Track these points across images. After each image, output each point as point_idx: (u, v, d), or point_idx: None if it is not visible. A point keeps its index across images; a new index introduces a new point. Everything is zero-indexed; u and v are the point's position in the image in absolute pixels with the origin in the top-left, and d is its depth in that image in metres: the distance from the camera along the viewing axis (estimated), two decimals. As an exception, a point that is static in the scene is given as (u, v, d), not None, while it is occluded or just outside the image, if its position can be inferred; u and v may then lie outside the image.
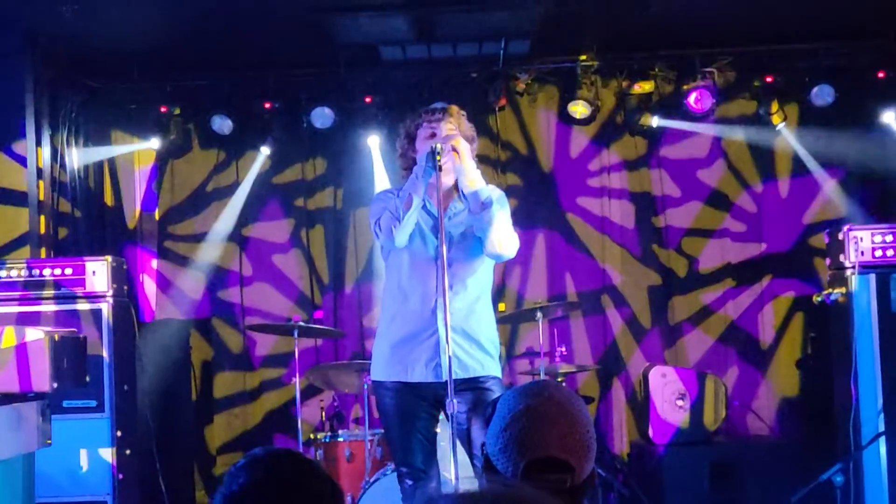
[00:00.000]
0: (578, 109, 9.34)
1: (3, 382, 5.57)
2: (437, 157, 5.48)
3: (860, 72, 9.07)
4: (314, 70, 9.45)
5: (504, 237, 5.57)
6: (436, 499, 1.04)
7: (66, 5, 7.69)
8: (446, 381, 5.33)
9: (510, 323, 9.05)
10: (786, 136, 9.27)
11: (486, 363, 5.70)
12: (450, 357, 5.31)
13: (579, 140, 9.87)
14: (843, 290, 7.28)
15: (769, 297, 9.62)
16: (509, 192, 5.99)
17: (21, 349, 5.61)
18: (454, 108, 5.81)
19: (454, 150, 5.52)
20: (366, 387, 7.50)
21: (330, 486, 2.66)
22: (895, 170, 9.14)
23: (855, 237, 7.23)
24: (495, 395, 5.47)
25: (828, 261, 7.70)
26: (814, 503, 7.33)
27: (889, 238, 7.21)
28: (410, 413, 5.74)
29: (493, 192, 5.76)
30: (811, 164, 9.29)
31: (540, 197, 9.78)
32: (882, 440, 7.01)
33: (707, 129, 9.50)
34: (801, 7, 8.04)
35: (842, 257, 7.28)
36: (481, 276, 5.79)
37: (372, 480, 7.14)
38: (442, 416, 5.84)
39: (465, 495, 1.03)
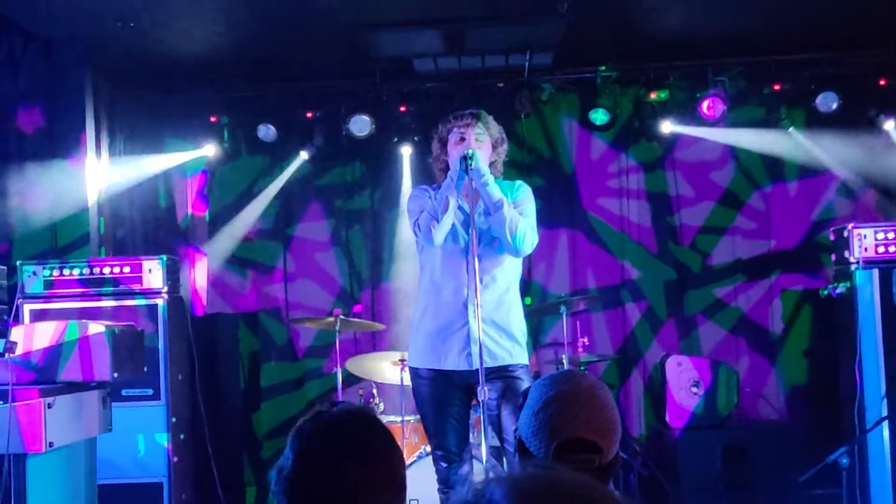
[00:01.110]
0: (598, 116, 9.34)
1: (67, 372, 5.60)
2: (469, 163, 5.52)
3: (862, 79, 9.05)
4: (352, 81, 9.46)
5: (519, 234, 5.58)
6: (489, 483, 1.03)
7: (123, 23, 7.71)
8: (477, 370, 5.36)
9: (536, 316, 9.04)
10: (796, 138, 9.22)
11: (515, 352, 5.72)
12: (480, 346, 5.32)
13: (599, 144, 9.88)
14: (848, 284, 7.24)
15: (778, 290, 9.60)
16: (534, 193, 5.98)
17: (84, 342, 5.63)
18: (483, 113, 5.83)
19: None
20: (402, 375, 7.51)
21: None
22: (895, 172, 9.12)
23: (859, 234, 7.19)
24: (524, 383, 5.55)
25: (833, 257, 7.66)
26: (821, 484, 7.29)
27: (891, 235, 7.17)
28: (444, 399, 5.76)
29: (521, 188, 5.81)
30: (820, 164, 9.24)
31: (562, 198, 9.79)
32: (885, 424, 6.99)
33: (719, 134, 9.46)
34: (807, 19, 8.00)
35: (846, 253, 7.24)
36: (509, 270, 5.80)
37: (409, 463, 7.14)
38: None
39: (521, 479, 1.02)
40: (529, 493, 1.00)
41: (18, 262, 7.48)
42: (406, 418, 7.62)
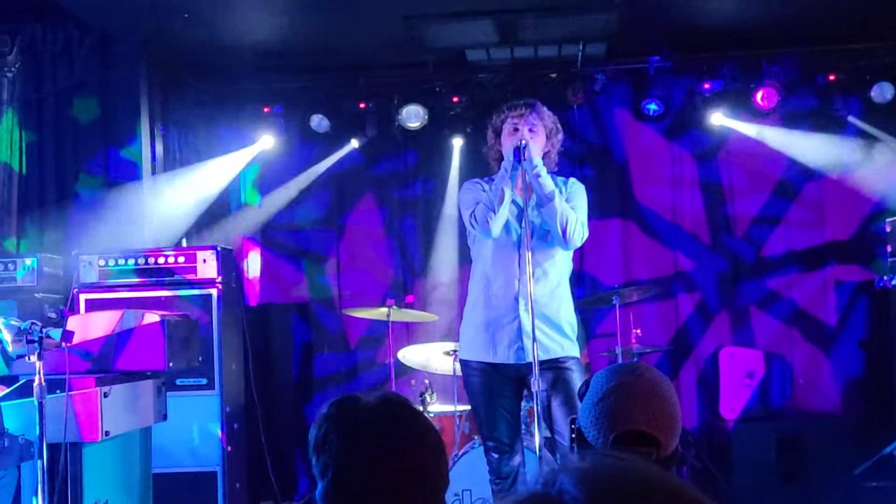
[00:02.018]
0: (651, 107, 9.30)
1: (122, 362, 5.63)
2: (522, 153, 5.52)
3: (919, 69, 8.97)
4: (404, 72, 9.46)
5: (569, 228, 5.58)
6: (558, 473, 1.01)
7: (178, 16, 7.75)
8: (528, 362, 5.38)
9: (588, 307, 9.01)
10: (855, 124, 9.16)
11: (566, 345, 5.73)
12: (534, 340, 5.32)
13: (652, 135, 9.84)
14: (905, 275, 7.18)
15: (832, 282, 9.52)
16: (586, 183, 5.98)
17: (139, 331, 5.66)
18: (537, 103, 5.82)
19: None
20: (454, 366, 7.50)
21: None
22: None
23: (916, 224, 7.13)
24: (574, 374, 5.55)
25: (888, 248, 7.58)
26: (876, 477, 7.25)
27: (948, 226, 7.11)
28: (495, 391, 5.78)
29: (573, 185, 5.79)
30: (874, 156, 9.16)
31: (615, 188, 9.76)
32: (942, 417, 6.93)
33: (774, 124, 9.39)
34: (861, 8, 7.93)
35: (903, 244, 7.18)
36: (560, 264, 5.81)
37: (461, 453, 7.15)
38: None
39: (591, 468, 1.01)
40: (601, 480, 0.99)
41: (75, 252, 7.52)
42: (458, 409, 7.61)
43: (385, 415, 2.64)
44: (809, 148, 9.49)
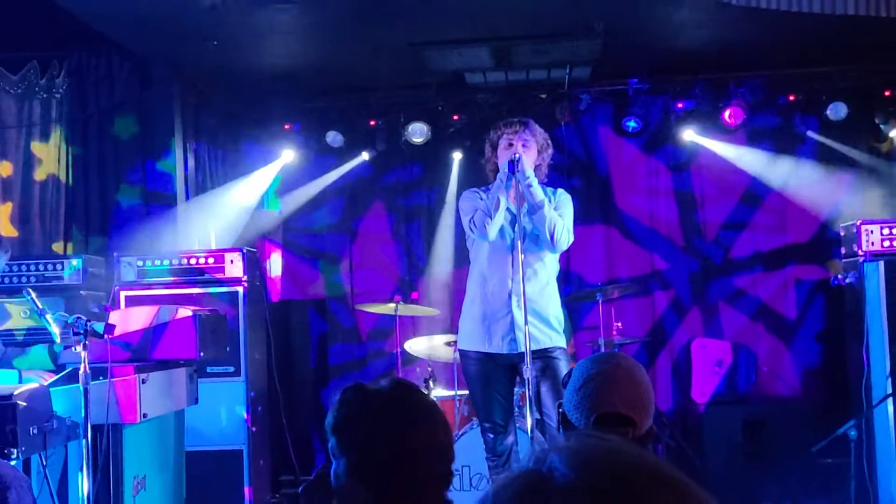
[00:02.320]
0: (630, 124, 9.31)
1: (158, 351, 5.65)
2: (515, 166, 5.57)
3: (869, 91, 8.97)
4: (410, 93, 9.46)
5: (556, 233, 5.63)
6: (548, 451, 1.03)
7: (208, 42, 7.76)
8: (520, 352, 5.47)
9: (573, 303, 9.02)
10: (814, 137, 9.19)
11: (553, 337, 5.77)
12: (527, 332, 5.35)
13: (631, 149, 9.85)
14: (857, 274, 7.17)
15: (792, 280, 9.53)
16: (572, 192, 6.01)
17: (173, 324, 5.67)
18: (530, 121, 5.85)
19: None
20: (454, 356, 7.51)
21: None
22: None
23: (866, 230, 7.12)
24: (561, 363, 5.62)
25: (843, 250, 7.59)
26: (831, 454, 7.25)
27: (896, 231, 7.12)
28: (490, 378, 5.81)
29: (561, 195, 5.82)
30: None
31: (598, 197, 9.78)
32: (890, 401, 6.92)
33: (740, 140, 9.41)
34: (819, 36, 7.93)
35: (855, 247, 7.17)
36: (549, 264, 5.85)
37: (460, 433, 7.16)
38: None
39: (577, 447, 1.02)
40: (587, 458, 1.00)
41: (115, 254, 7.54)
42: (458, 393, 7.63)
43: (397, 395, 2.67)
44: (772, 160, 9.51)
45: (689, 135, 9.34)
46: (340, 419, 2.62)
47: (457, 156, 9.61)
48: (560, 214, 5.72)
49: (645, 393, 3.10)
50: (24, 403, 4.48)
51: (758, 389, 9.17)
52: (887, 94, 8.91)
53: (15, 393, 4.46)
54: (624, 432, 2.98)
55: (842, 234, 7.62)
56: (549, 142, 5.96)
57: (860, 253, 7.13)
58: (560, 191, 5.92)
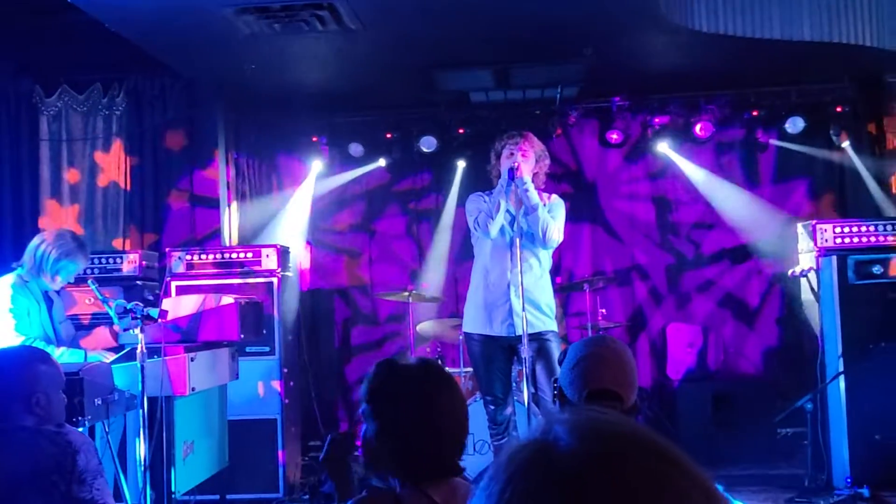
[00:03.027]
0: (613, 136, 9.30)
1: (205, 334, 5.66)
2: (514, 173, 5.59)
3: (823, 107, 8.96)
4: (422, 110, 9.44)
5: (547, 232, 5.65)
6: (552, 423, 1.03)
7: (246, 64, 7.77)
8: (517, 335, 5.53)
9: (564, 292, 9.02)
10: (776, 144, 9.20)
11: (547, 322, 5.78)
12: (524, 316, 5.38)
13: (614, 159, 9.83)
14: (812, 267, 7.16)
15: (755, 272, 9.51)
16: (562, 196, 6.03)
17: (218, 310, 5.69)
18: (530, 134, 5.87)
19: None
20: (460, 337, 7.51)
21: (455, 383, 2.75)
22: (849, 180, 9.06)
23: (821, 228, 7.11)
24: (553, 345, 5.66)
25: (800, 246, 7.58)
26: (790, 424, 7.28)
27: (846, 230, 7.08)
28: (491, 357, 5.84)
29: (554, 200, 5.83)
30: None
31: (585, 200, 9.74)
32: (841, 378, 6.91)
33: (709, 150, 9.41)
34: (779, 59, 7.92)
35: (811, 244, 7.17)
36: (543, 259, 5.87)
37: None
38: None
39: (579, 419, 1.03)
40: (587, 428, 1.01)
41: (167, 249, 7.55)
42: (463, 370, 7.63)
43: (423, 369, 2.69)
44: (738, 168, 9.52)
45: (663, 147, 9.33)
46: (374, 388, 2.64)
47: (460, 164, 9.60)
48: (552, 217, 5.74)
49: (631, 371, 3.10)
50: (90, 378, 4.50)
51: (725, 367, 9.16)
52: (839, 109, 8.89)
53: (82, 369, 4.48)
54: (613, 406, 2.97)
55: (798, 232, 7.61)
56: (546, 152, 5.97)
57: (815, 249, 7.12)
58: (554, 196, 5.93)
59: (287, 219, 9.54)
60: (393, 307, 9.72)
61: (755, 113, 9.12)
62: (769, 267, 9.31)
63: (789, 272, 7.60)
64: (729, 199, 9.41)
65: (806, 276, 7.28)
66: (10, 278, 5.51)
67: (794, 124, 8.87)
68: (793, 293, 8.25)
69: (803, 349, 7.67)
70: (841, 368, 6.91)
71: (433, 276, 9.88)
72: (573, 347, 3.17)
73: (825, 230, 7.10)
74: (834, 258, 7.04)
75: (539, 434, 1.02)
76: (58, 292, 5.73)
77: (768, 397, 8.07)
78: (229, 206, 8.55)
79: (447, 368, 7.76)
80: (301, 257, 9.80)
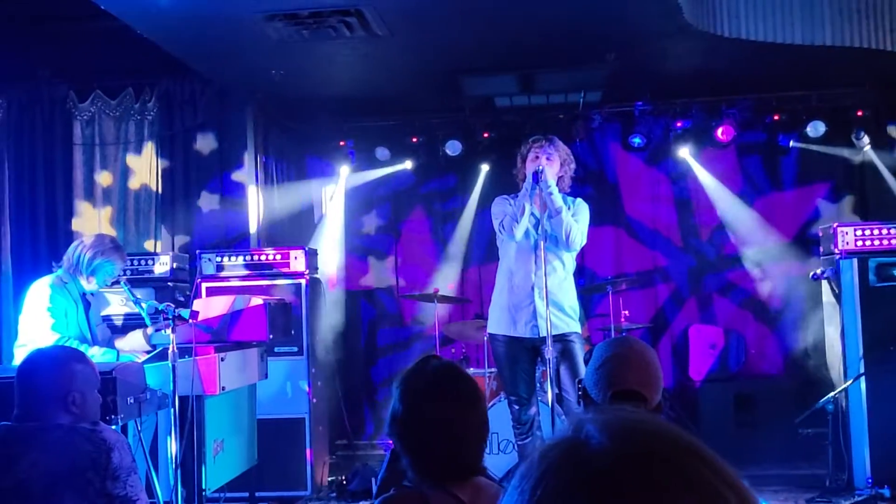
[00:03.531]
0: (636, 140, 9.28)
1: (235, 334, 5.69)
2: (539, 177, 5.59)
3: (844, 111, 8.91)
4: (447, 114, 9.46)
5: (571, 235, 5.64)
6: (584, 421, 1.05)
7: (275, 71, 7.80)
8: (541, 336, 5.53)
9: (587, 293, 9.01)
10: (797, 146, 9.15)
11: (570, 323, 5.77)
12: (548, 319, 5.38)
13: (636, 162, 9.81)
14: (833, 270, 7.13)
15: (777, 275, 9.47)
16: (586, 199, 6.03)
17: (247, 311, 5.72)
18: (555, 138, 5.88)
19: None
20: (484, 339, 7.51)
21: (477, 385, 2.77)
22: (870, 183, 9.01)
23: (842, 231, 7.07)
24: (576, 346, 5.64)
25: (821, 248, 7.54)
26: (811, 424, 7.23)
27: (867, 232, 7.05)
28: (515, 357, 5.83)
29: (579, 203, 5.82)
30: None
31: (608, 203, 9.72)
32: (862, 379, 6.88)
33: (730, 154, 9.37)
34: (801, 64, 7.89)
35: (832, 246, 7.13)
36: (567, 262, 5.86)
37: (490, 405, 7.15)
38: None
39: (608, 418, 1.04)
40: (618, 426, 1.02)
41: (197, 251, 7.59)
42: (488, 371, 7.63)
43: (448, 368, 2.75)
44: (759, 171, 9.48)
45: (684, 153, 9.31)
46: (398, 391, 2.71)
47: (484, 167, 9.59)
48: (576, 220, 5.74)
49: (654, 372, 3.09)
50: (123, 377, 4.53)
51: (747, 368, 9.11)
52: (860, 113, 8.84)
53: (115, 369, 4.51)
54: (636, 406, 2.97)
55: (819, 234, 7.58)
56: (572, 156, 5.97)
57: (836, 251, 7.08)
58: (579, 200, 5.93)
59: (314, 221, 9.57)
60: (418, 308, 9.73)
61: (776, 117, 9.07)
62: (791, 269, 9.27)
63: (810, 274, 7.56)
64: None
65: (827, 278, 7.24)
66: (49, 279, 5.57)
67: (815, 128, 8.82)
68: (813, 296, 8.21)
69: (825, 351, 7.62)
70: (862, 370, 6.87)
71: (459, 277, 9.89)
72: (598, 348, 3.17)
73: (846, 233, 7.07)
74: (855, 261, 7.00)
75: (571, 432, 1.03)
76: (93, 294, 5.77)
77: (789, 398, 8.03)
78: (258, 208, 8.57)
79: (472, 369, 7.85)
80: (329, 259, 9.84)
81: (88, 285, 5.62)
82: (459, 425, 2.61)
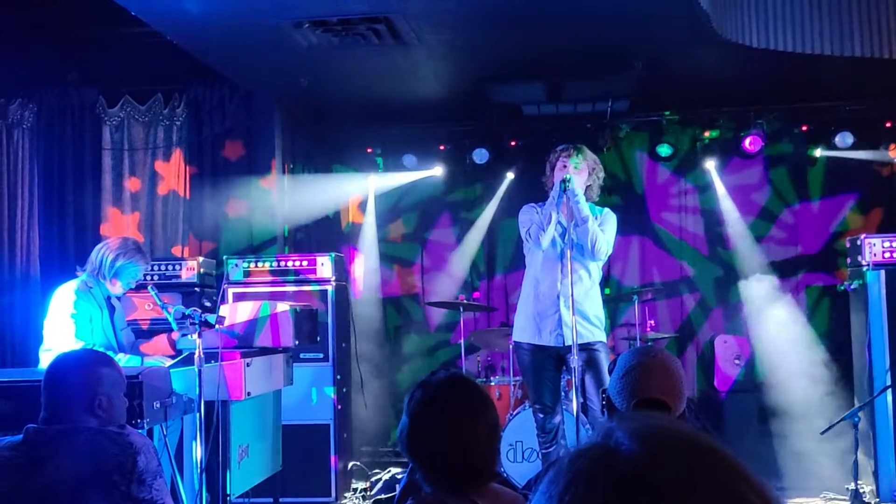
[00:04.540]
0: (663, 150, 9.25)
1: (261, 340, 5.70)
2: (565, 185, 5.57)
3: (873, 122, 8.85)
4: (474, 122, 9.46)
5: (597, 245, 5.63)
6: (612, 428, 1.05)
7: (303, 78, 7.83)
8: (565, 345, 5.55)
9: (613, 303, 8.98)
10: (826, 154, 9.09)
11: (595, 332, 5.76)
12: (574, 327, 5.37)
13: (663, 172, 9.79)
14: (860, 281, 7.07)
15: (803, 286, 9.42)
16: (613, 208, 6.03)
17: (273, 317, 5.72)
18: (582, 147, 5.86)
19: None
20: (509, 347, 7.49)
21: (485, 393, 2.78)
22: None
23: (870, 243, 7.01)
24: (602, 355, 5.63)
25: (848, 260, 7.48)
26: (838, 437, 7.16)
27: (895, 244, 7.00)
28: (540, 366, 5.82)
29: (606, 213, 5.81)
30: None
31: (635, 212, 9.70)
32: (889, 392, 6.82)
33: (757, 164, 9.33)
34: (829, 74, 7.84)
35: (859, 258, 7.07)
36: (593, 271, 5.84)
37: (515, 413, 7.15)
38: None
39: (636, 424, 1.05)
40: (646, 432, 1.03)
41: (224, 257, 7.61)
42: (514, 379, 7.61)
43: (454, 379, 2.76)
44: (786, 182, 9.43)
45: (709, 165, 9.28)
46: (408, 403, 2.71)
47: (511, 176, 9.57)
48: (602, 230, 5.73)
49: (678, 381, 3.08)
50: (149, 382, 4.54)
51: (772, 380, 9.05)
52: (888, 125, 8.77)
53: (142, 373, 4.53)
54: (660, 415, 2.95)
55: (847, 245, 7.52)
56: (600, 165, 5.96)
57: (864, 263, 7.03)
58: (607, 210, 5.92)
59: (342, 228, 9.59)
60: (443, 316, 9.74)
61: (804, 128, 9.03)
62: (817, 280, 9.22)
63: (838, 286, 7.51)
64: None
65: (855, 289, 7.18)
66: (74, 284, 5.59)
67: (844, 139, 8.76)
68: (840, 307, 8.15)
69: (851, 362, 7.56)
70: (889, 382, 6.81)
71: (484, 285, 9.89)
72: (622, 357, 3.17)
73: (874, 244, 7.01)
74: (882, 272, 6.94)
75: (600, 438, 1.04)
76: (119, 299, 5.79)
77: (815, 410, 7.96)
78: (285, 214, 8.59)
79: (497, 377, 7.83)
80: (355, 266, 9.86)
81: (113, 289, 5.64)
82: (467, 433, 2.61)
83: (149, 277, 7.14)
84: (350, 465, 7.74)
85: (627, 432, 1.02)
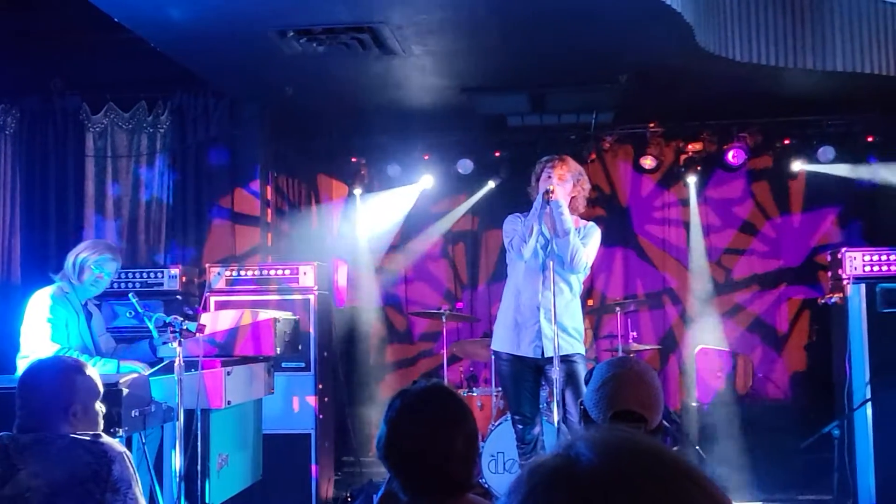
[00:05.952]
0: (647, 162, 9.25)
1: (242, 348, 5.67)
2: (548, 196, 5.56)
3: (855, 137, 8.87)
4: (459, 132, 9.45)
5: (575, 258, 5.61)
6: (575, 440, 1.04)
7: (288, 86, 7.80)
8: (544, 357, 5.56)
9: (596, 314, 8.97)
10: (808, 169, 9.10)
11: (574, 345, 5.74)
12: (556, 339, 5.35)
13: (647, 184, 9.80)
14: (841, 294, 7.08)
15: (784, 298, 9.45)
16: (596, 220, 6.01)
17: (255, 326, 5.69)
18: (567, 157, 5.84)
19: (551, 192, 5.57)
20: (492, 357, 7.48)
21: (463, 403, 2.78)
22: (880, 207, 8.97)
23: (850, 256, 7.03)
24: (580, 367, 5.62)
25: (829, 273, 7.50)
26: (817, 450, 7.17)
27: (875, 258, 7.01)
28: (519, 376, 5.80)
29: (590, 226, 5.79)
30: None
31: (618, 224, 9.72)
32: (868, 405, 6.83)
33: (740, 177, 9.35)
34: (809, 88, 7.85)
35: (840, 271, 7.08)
36: (574, 283, 5.83)
37: (496, 424, 7.13)
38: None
39: (600, 437, 1.04)
40: (608, 445, 1.02)
41: (207, 265, 7.58)
42: (495, 390, 7.59)
43: (432, 388, 2.76)
44: (768, 195, 9.44)
45: (690, 180, 9.29)
46: (386, 414, 2.70)
47: (495, 185, 9.55)
48: (584, 244, 5.70)
49: (654, 393, 3.06)
50: (128, 390, 4.51)
51: (753, 392, 9.07)
52: (869, 139, 8.80)
53: (120, 381, 4.49)
54: (637, 427, 2.94)
55: (829, 259, 7.54)
56: (585, 176, 5.92)
57: (844, 276, 7.04)
58: (591, 224, 5.89)
59: (325, 237, 9.56)
60: (426, 326, 9.71)
61: (787, 141, 9.05)
62: (798, 293, 9.25)
63: (819, 299, 7.52)
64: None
65: (834, 303, 7.19)
66: (50, 289, 5.56)
67: (826, 153, 8.78)
68: (821, 320, 8.17)
69: (831, 375, 7.57)
70: (868, 395, 6.82)
71: (467, 295, 9.87)
72: (598, 369, 3.15)
73: (854, 258, 7.02)
74: (863, 286, 6.95)
75: (561, 450, 1.03)
76: (98, 306, 5.75)
77: (795, 423, 8.00)
78: (268, 223, 8.56)
79: (479, 388, 7.81)
80: (338, 275, 9.82)
81: (79, 283, 5.58)
82: (444, 443, 2.61)
83: (131, 285, 7.10)
84: (331, 474, 7.71)
85: (589, 444, 1.02)
